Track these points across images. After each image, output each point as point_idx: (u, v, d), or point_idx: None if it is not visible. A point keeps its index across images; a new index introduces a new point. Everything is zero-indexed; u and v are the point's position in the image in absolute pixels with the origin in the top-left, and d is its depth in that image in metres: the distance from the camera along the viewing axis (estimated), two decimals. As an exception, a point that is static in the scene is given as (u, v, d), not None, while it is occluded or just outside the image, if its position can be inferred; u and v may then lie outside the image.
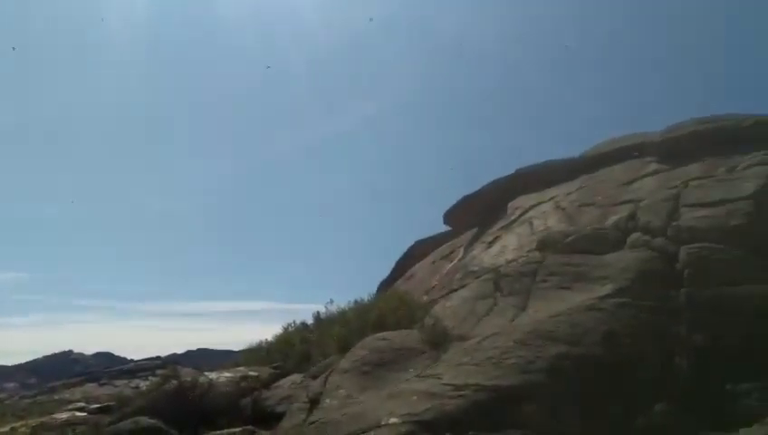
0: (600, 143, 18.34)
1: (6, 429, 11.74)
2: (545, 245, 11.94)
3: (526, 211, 15.69)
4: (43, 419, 12.08)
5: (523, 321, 9.17)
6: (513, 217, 15.88)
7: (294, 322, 15.70)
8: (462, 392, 7.42)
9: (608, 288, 9.28)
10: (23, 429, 11.46)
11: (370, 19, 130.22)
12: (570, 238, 11.65)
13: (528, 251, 12.25)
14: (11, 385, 58.76)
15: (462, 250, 17.44)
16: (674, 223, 10.71)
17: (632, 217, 11.64)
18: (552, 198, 15.45)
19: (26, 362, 75.40)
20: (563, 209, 14.18)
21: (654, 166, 14.28)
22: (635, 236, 10.95)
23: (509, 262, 12.01)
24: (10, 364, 73.16)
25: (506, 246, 13.64)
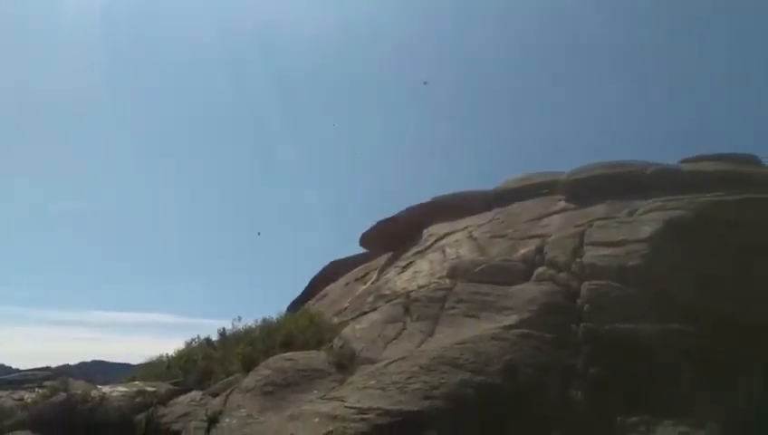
0: (513, 178, 19.04)
1: None
2: (456, 272, 12.20)
3: (440, 239, 15.99)
4: None
5: (429, 346, 9.27)
6: (427, 244, 16.14)
7: (198, 337, 15.11)
8: (365, 416, 7.38)
9: (512, 319, 9.55)
10: None
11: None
12: (479, 268, 11.95)
13: (439, 278, 12.45)
14: None
15: (376, 273, 17.52)
16: (577, 259, 11.16)
17: (540, 251, 12.07)
18: (465, 228, 15.83)
19: None
20: (475, 239, 14.55)
21: (562, 204, 14.96)
22: (541, 269, 11.36)
23: (420, 287, 12.15)
24: None
25: (418, 272, 13.79)
